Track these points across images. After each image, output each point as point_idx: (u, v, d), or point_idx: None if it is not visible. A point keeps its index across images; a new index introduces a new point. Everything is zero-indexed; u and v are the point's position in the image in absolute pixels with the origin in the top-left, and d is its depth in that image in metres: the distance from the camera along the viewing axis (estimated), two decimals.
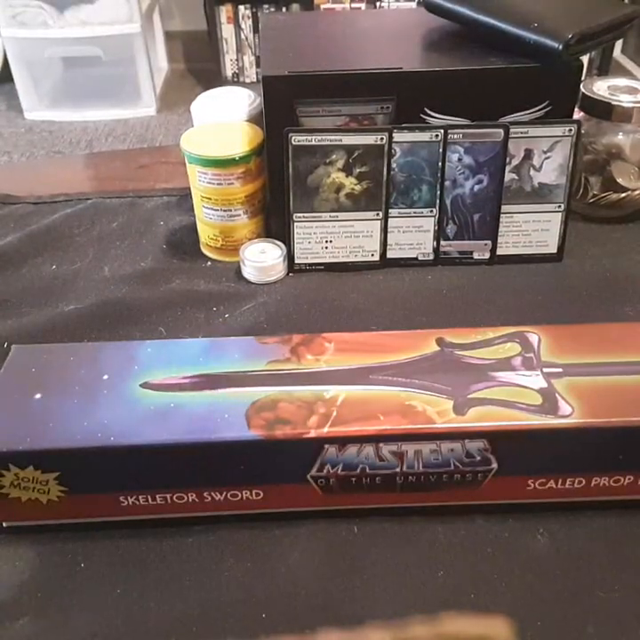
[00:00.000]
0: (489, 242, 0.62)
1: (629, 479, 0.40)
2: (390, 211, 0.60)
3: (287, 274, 0.63)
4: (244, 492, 0.40)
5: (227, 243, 0.64)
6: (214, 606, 0.37)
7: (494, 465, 0.39)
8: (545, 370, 0.41)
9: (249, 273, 0.62)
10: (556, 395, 0.39)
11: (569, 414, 0.38)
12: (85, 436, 0.38)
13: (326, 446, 0.38)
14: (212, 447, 0.38)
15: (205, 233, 0.64)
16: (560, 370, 0.41)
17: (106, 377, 0.41)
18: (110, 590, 0.38)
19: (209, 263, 0.65)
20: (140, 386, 0.41)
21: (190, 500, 0.40)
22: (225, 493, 0.40)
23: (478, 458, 0.39)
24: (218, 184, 0.60)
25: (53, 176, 0.83)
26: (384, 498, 0.41)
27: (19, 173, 0.89)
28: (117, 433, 0.38)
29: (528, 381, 0.40)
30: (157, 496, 0.40)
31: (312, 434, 0.38)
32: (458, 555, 0.40)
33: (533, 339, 0.43)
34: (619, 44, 2.71)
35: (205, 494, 0.40)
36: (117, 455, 0.38)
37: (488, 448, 0.38)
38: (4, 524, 0.41)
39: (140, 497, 0.40)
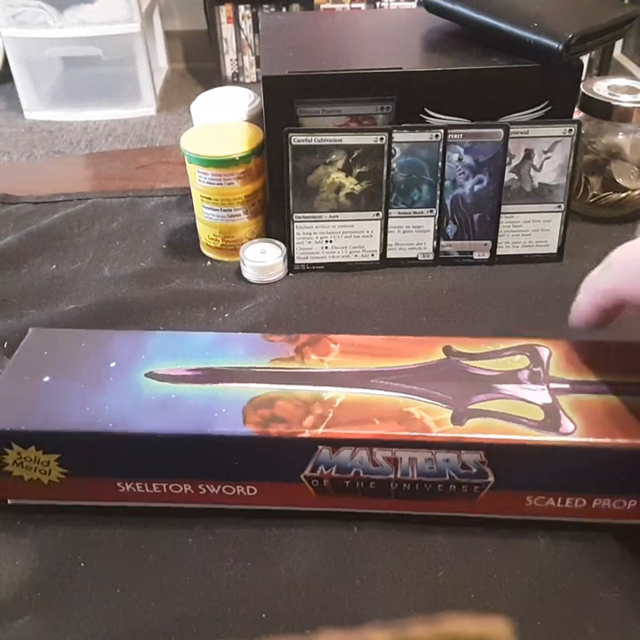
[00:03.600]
0: (489, 242, 0.62)
1: (633, 503, 0.39)
2: (390, 211, 0.60)
3: (287, 274, 0.63)
4: (238, 488, 0.40)
5: (227, 243, 0.64)
6: (214, 606, 0.37)
7: (491, 478, 0.39)
8: (551, 385, 0.40)
9: (249, 273, 0.62)
10: (560, 411, 0.38)
11: (570, 432, 0.37)
12: (86, 421, 0.38)
13: (320, 447, 0.38)
14: (207, 440, 0.38)
15: (205, 233, 0.64)
16: (567, 386, 0.40)
17: (113, 364, 0.42)
18: (110, 590, 0.38)
19: (209, 263, 0.65)
20: (145, 375, 0.41)
21: (185, 491, 0.40)
22: (219, 487, 0.40)
23: (474, 470, 0.38)
24: (218, 184, 0.60)
25: (53, 176, 0.83)
26: (378, 503, 0.41)
27: (19, 173, 0.89)
28: (117, 420, 0.38)
29: (532, 396, 0.40)
30: (154, 484, 0.40)
31: (306, 434, 0.38)
32: (458, 555, 0.40)
33: (543, 352, 0.43)
34: (619, 44, 2.72)
35: (200, 487, 0.40)
36: (115, 442, 0.38)
37: (484, 461, 0.38)
38: (9, 502, 0.42)
39: (137, 484, 0.40)
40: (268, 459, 0.39)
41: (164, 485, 0.40)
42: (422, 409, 0.39)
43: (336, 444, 0.38)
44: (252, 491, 0.40)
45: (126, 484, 0.40)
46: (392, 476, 0.39)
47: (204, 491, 0.40)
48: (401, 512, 0.41)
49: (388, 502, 0.40)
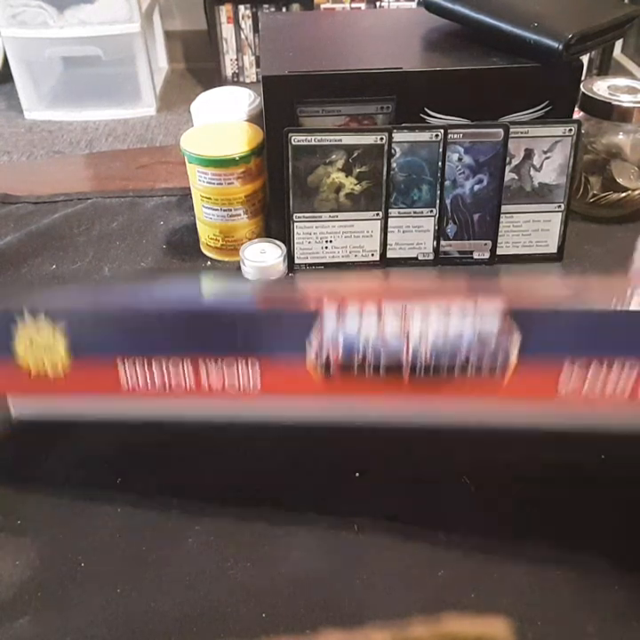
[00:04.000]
0: (489, 242, 0.62)
1: None
2: (390, 211, 0.60)
3: (287, 274, 0.63)
4: (240, 365, 0.39)
5: (227, 243, 0.64)
6: (214, 606, 0.37)
7: (513, 352, 0.34)
8: None
9: (249, 273, 0.62)
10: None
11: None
12: (95, 297, 0.42)
13: (324, 313, 0.37)
14: (210, 313, 0.39)
15: (205, 233, 0.64)
16: None
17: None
18: (110, 590, 0.38)
19: (209, 263, 0.65)
20: None
21: (186, 374, 0.40)
22: (220, 363, 0.40)
23: (492, 345, 0.34)
24: (218, 184, 0.60)
25: (53, 176, 0.83)
26: (389, 388, 0.37)
27: (19, 173, 0.89)
28: (124, 298, 0.41)
29: None
30: (154, 366, 0.40)
31: (310, 302, 0.38)
32: (458, 555, 0.40)
33: None
34: (619, 44, 2.71)
35: (201, 365, 0.40)
36: (120, 311, 0.40)
37: (504, 320, 0.33)
38: (12, 409, 0.42)
39: (138, 366, 0.40)
40: (271, 331, 0.39)
41: (164, 368, 0.40)
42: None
43: (341, 302, 0.37)
44: (254, 367, 0.39)
45: (127, 363, 0.40)
46: (403, 357, 0.36)
47: (205, 375, 0.40)
48: (417, 399, 0.37)
49: (400, 387, 0.37)
